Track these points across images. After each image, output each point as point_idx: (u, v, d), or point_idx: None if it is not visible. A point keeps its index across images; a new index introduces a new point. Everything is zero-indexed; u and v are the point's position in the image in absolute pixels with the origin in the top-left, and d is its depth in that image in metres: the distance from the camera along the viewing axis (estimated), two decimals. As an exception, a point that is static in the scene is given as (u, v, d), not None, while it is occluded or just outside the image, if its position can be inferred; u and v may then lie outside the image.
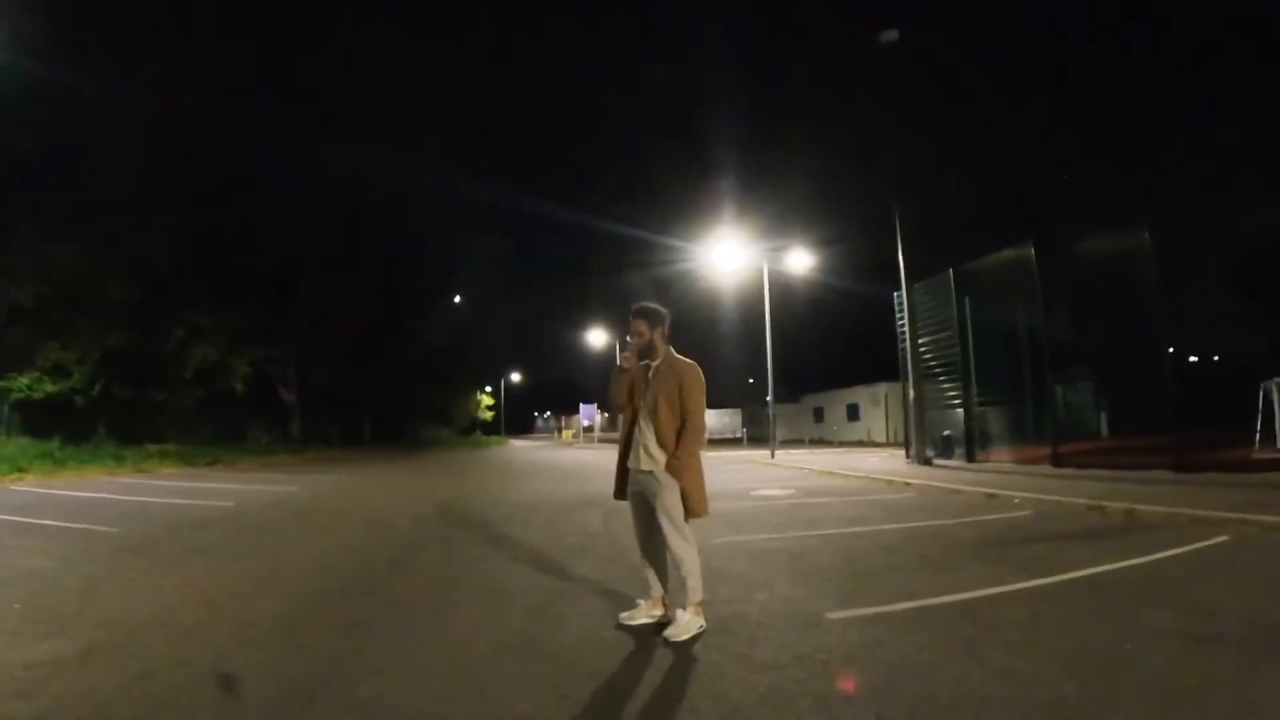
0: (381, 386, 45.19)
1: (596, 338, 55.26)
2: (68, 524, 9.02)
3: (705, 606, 4.29)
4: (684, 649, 3.92)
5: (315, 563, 6.68)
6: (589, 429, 62.44)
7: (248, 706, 3.24)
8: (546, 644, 4.06)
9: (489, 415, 74.97)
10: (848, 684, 3.41)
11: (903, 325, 18.67)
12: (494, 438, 68.63)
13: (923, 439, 17.60)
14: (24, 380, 23.76)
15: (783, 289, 30.19)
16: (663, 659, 3.79)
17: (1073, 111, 54.07)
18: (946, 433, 18.32)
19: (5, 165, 22.28)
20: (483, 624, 4.48)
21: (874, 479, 14.47)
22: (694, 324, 44.49)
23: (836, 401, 44.96)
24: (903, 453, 20.13)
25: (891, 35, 17.37)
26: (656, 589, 4.44)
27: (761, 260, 26.29)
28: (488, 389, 75.08)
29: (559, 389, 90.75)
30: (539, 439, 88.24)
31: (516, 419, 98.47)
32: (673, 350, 4.46)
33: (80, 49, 23.56)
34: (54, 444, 20.45)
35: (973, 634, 4.10)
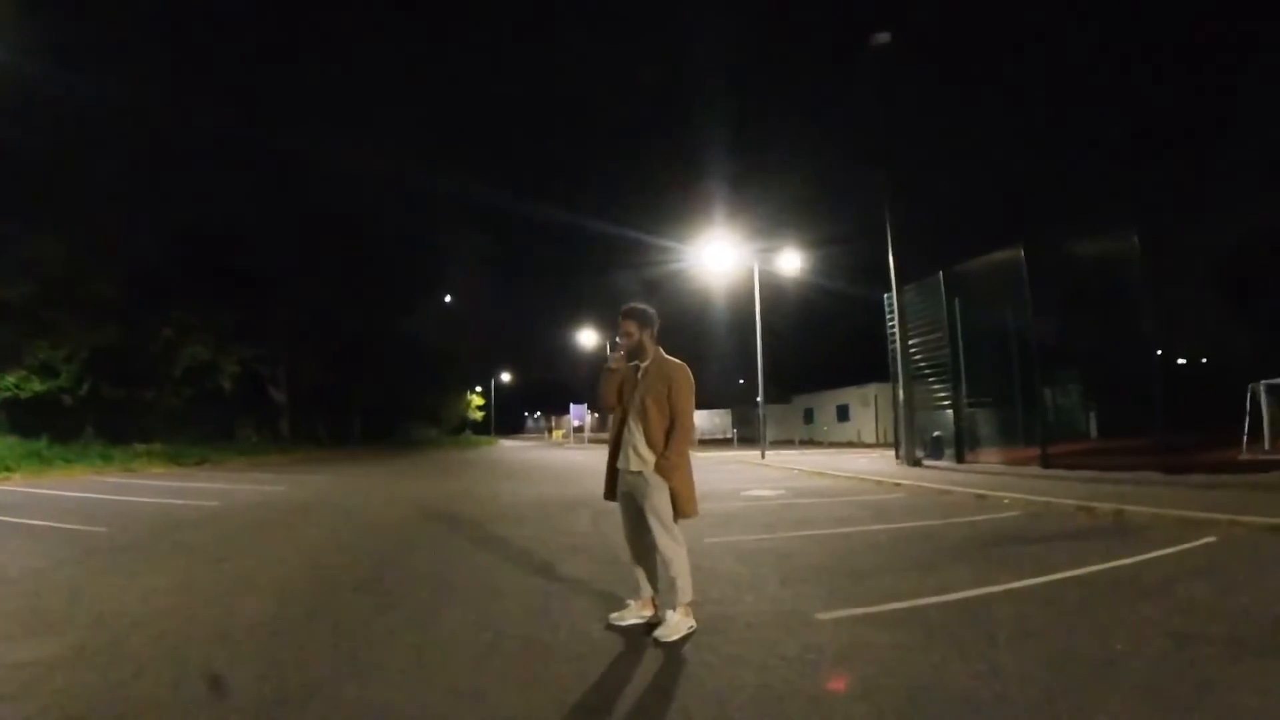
0: (371, 386, 45.01)
1: (587, 338, 55.20)
2: (55, 524, 8.95)
3: (695, 607, 4.29)
4: (674, 649, 3.92)
5: (305, 562, 6.65)
6: (579, 429, 62.28)
7: (238, 707, 3.21)
8: (536, 644, 4.05)
9: (479, 415, 74.88)
10: (837, 684, 3.41)
11: (893, 326, 18.73)
12: (484, 438, 68.40)
13: (912, 440, 17.63)
14: (11, 379, 23.55)
15: (774, 290, 30.29)
16: (653, 659, 3.79)
17: (1065, 116, 54.43)
18: (936, 434, 18.38)
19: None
20: (472, 624, 4.47)
21: (864, 480, 14.49)
22: (685, 325, 44.66)
23: (827, 402, 45.06)
24: (892, 453, 20.16)
25: (883, 38, 17.42)
26: (646, 589, 4.44)
27: (752, 261, 26.32)
28: (478, 389, 74.98)
29: (549, 389, 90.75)
30: (529, 439, 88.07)
31: (506, 419, 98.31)
32: (662, 351, 4.45)
33: (66, 45, 23.40)
34: (41, 443, 20.29)
35: (962, 634, 4.11)
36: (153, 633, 4.33)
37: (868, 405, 39.29)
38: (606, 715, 3.12)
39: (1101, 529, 7.89)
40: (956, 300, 17.66)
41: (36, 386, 24.14)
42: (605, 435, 4.89)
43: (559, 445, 56.94)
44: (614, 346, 4.49)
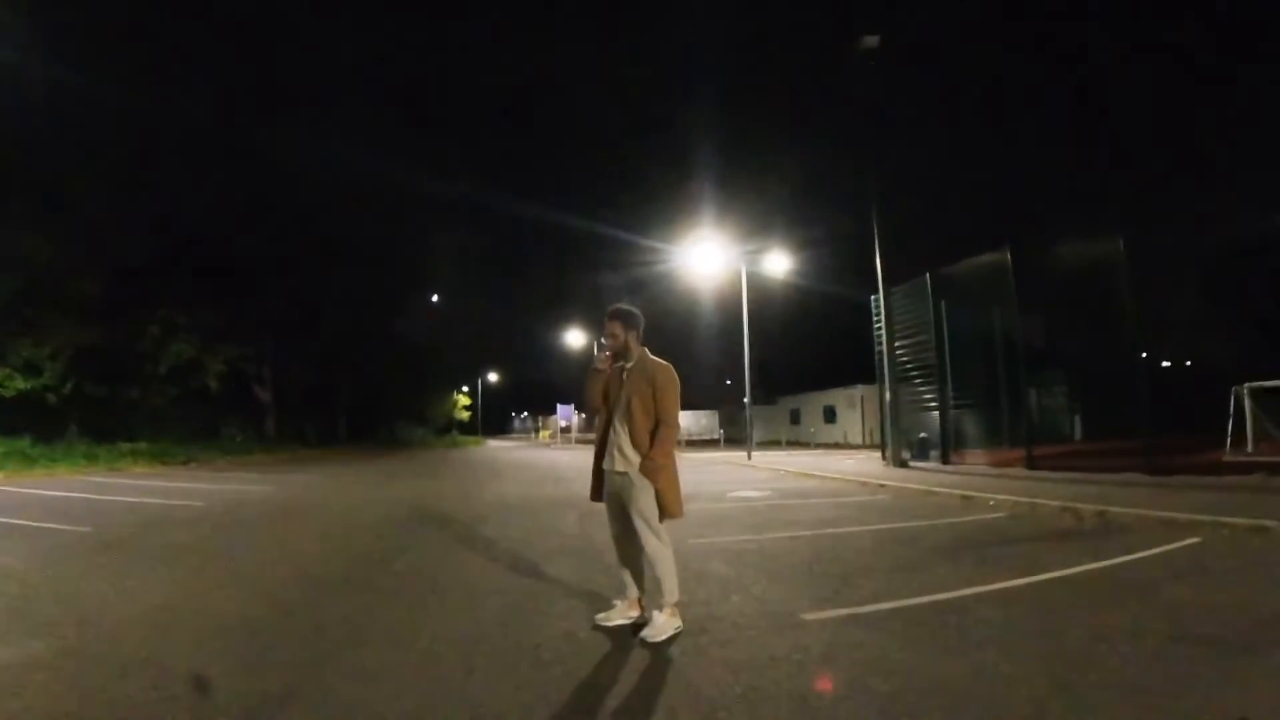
0: (358, 386, 44.84)
1: (574, 338, 55.17)
2: (39, 524, 8.87)
3: (682, 607, 4.29)
4: (660, 650, 3.92)
5: (290, 563, 6.61)
6: (566, 430, 62.25)
7: (223, 707, 3.19)
8: (523, 645, 4.03)
9: (466, 415, 74.65)
10: (824, 684, 3.41)
11: (880, 328, 18.77)
12: (471, 438, 68.24)
13: (899, 441, 17.68)
14: (-5, 377, 23.38)
15: (761, 291, 30.36)
16: (639, 660, 3.78)
17: (1052, 119, 54.76)
18: (922, 435, 18.46)
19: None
20: (459, 624, 4.45)
21: (850, 481, 14.52)
22: (672, 325, 44.63)
23: (813, 403, 45.13)
24: (879, 455, 20.24)
25: (872, 41, 17.50)
26: (633, 590, 4.43)
27: (740, 262, 26.37)
28: (465, 389, 74.78)
29: (536, 389, 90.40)
30: (516, 439, 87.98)
31: (493, 419, 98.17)
32: (647, 352, 4.44)
33: (50, 41, 23.16)
34: (25, 442, 20.18)
35: (948, 634, 4.13)
36: (137, 633, 4.29)
37: (854, 407, 39.40)
38: (593, 716, 3.11)
39: (1087, 530, 7.93)
40: (943, 302, 17.74)
41: (20, 385, 23.95)
42: (592, 436, 4.88)
43: (546, 445, 56.85)
44: (600, 347, 4.49)
